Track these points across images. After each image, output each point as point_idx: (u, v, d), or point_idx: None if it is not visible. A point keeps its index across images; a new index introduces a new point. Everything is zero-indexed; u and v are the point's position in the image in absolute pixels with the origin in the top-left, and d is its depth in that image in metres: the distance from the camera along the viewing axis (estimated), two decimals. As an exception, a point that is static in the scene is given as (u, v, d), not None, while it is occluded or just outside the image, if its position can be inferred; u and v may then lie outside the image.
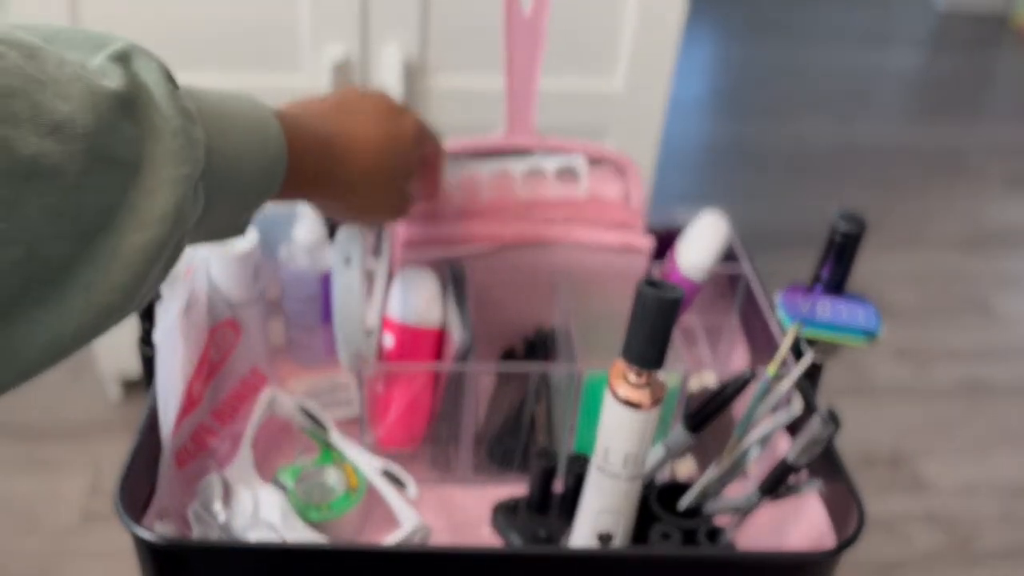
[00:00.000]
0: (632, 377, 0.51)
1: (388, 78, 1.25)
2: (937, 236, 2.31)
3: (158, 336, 0.61)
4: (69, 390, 1.63)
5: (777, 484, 0.56)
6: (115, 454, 1.48)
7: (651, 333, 0.50)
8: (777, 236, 2.13)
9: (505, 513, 0.65)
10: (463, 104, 1.30)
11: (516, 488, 0.68)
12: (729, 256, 0.79)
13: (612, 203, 0.77)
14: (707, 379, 0.77)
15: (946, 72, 3.30)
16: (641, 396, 0.51)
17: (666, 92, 1.31)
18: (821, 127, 2.81)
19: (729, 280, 0.80)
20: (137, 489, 0.61)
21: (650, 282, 0.49)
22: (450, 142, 0.75)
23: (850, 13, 3.72)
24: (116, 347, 1.52)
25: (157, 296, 0.64)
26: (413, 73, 1.26)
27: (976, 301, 2.09)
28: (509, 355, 0.79)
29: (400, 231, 0.73)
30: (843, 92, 3.06)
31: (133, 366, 1.53)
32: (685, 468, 0.70)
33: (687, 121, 2.79)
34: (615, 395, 0.52)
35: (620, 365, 0.52)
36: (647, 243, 0.76)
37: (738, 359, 0.81)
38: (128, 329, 0.57)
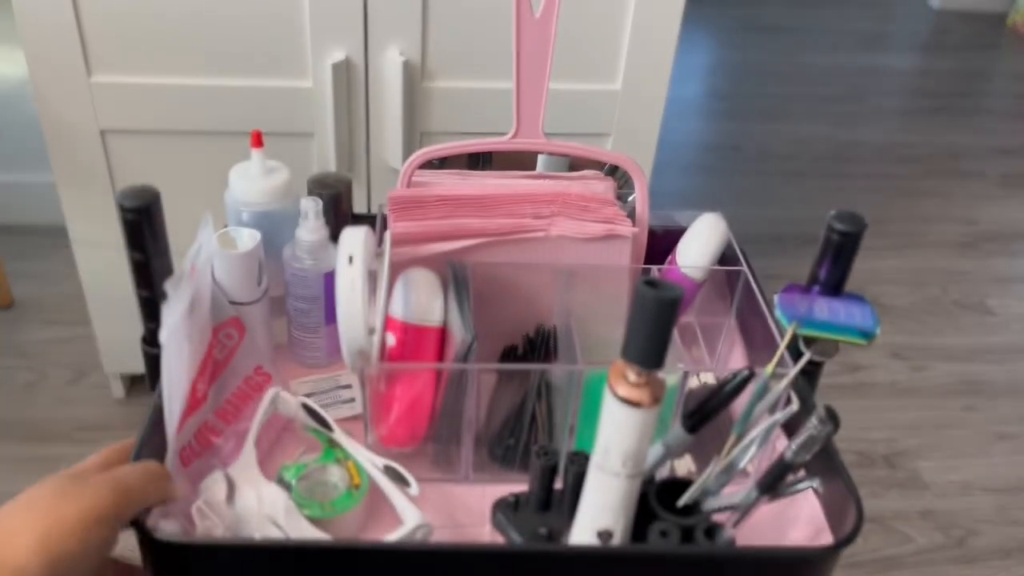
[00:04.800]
0: (632, 376, 0.52)
1: (389, 81, 1.26)
2: (934, 236, 2.32)
3: (163, 336, 0.62)
4: (73, 389, 1.64)
5: (775, 482, 0.57)
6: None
7: (651, 332, 0.50)
8: (775, 237, 2.14)
9: (505, 510, 0.65)
10: (464, 106, 1.31)
11: (517, 486, 0.68)
12: (727, 256, 0.79)
13: (596, 197, 0.78)
14: (706, 380, 0.78)
15: (943, 73, 3.31)
16: (641, 395, 0.52)
17: (664, 93, 1.32)
18: (818, 128, 2.81)
19: (727, 280, 0.80)
20: (142, 487, 0.61)
21: (650, 282, 0.49)
22: (457, 144, 0.76)
23: (846, 14, 3.73)
24: (120, 346, 1.52)
25: (163, 296, 0.65)
26: (414, 76, 1.27)
27: (973, 301, 2.09)
28: (510, 353, 0.79)
29: (392, 227, 0.74)
30: (840, 93, 3.07)
31: (137, 365, 1.54)
32: (684, 465, 0.71)
33: (685, 122, 2.80)
34: (615, 394, 0.52)
35: (620, 364, 0.52)
36: (629, 229, 0.77)
37: (736, 359, 0.82)
38: (133, 328, 0.58)
